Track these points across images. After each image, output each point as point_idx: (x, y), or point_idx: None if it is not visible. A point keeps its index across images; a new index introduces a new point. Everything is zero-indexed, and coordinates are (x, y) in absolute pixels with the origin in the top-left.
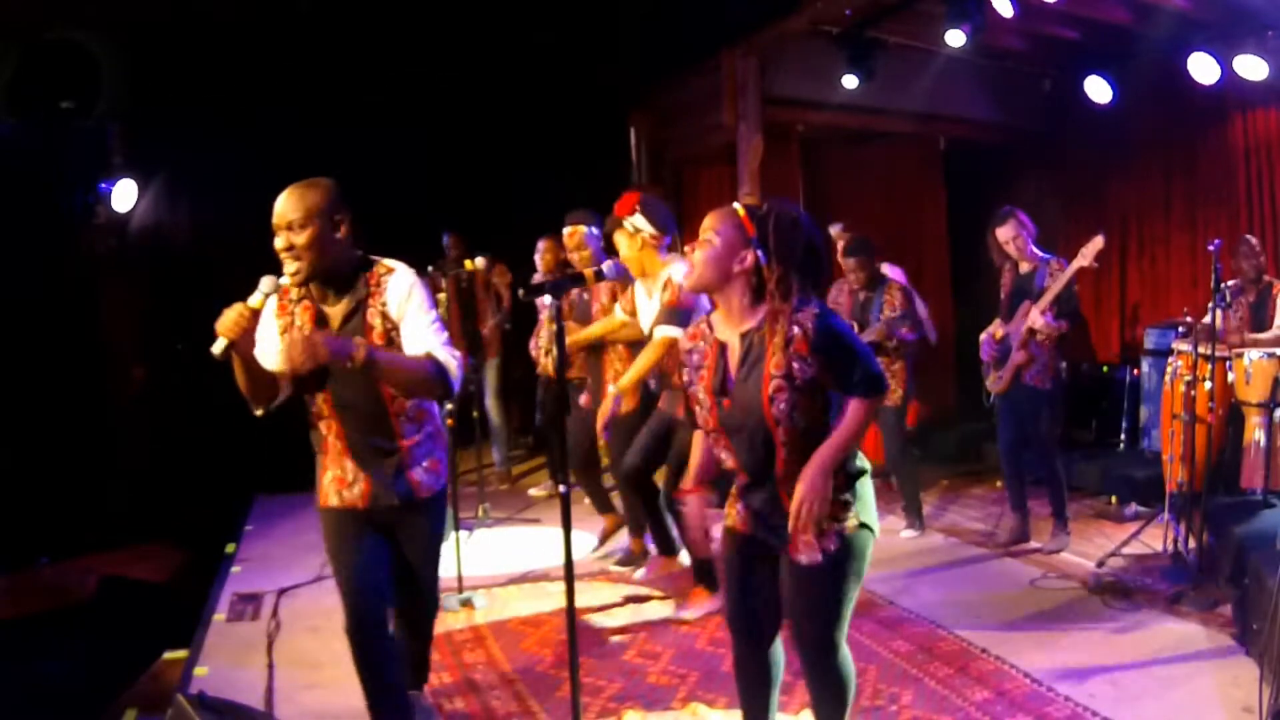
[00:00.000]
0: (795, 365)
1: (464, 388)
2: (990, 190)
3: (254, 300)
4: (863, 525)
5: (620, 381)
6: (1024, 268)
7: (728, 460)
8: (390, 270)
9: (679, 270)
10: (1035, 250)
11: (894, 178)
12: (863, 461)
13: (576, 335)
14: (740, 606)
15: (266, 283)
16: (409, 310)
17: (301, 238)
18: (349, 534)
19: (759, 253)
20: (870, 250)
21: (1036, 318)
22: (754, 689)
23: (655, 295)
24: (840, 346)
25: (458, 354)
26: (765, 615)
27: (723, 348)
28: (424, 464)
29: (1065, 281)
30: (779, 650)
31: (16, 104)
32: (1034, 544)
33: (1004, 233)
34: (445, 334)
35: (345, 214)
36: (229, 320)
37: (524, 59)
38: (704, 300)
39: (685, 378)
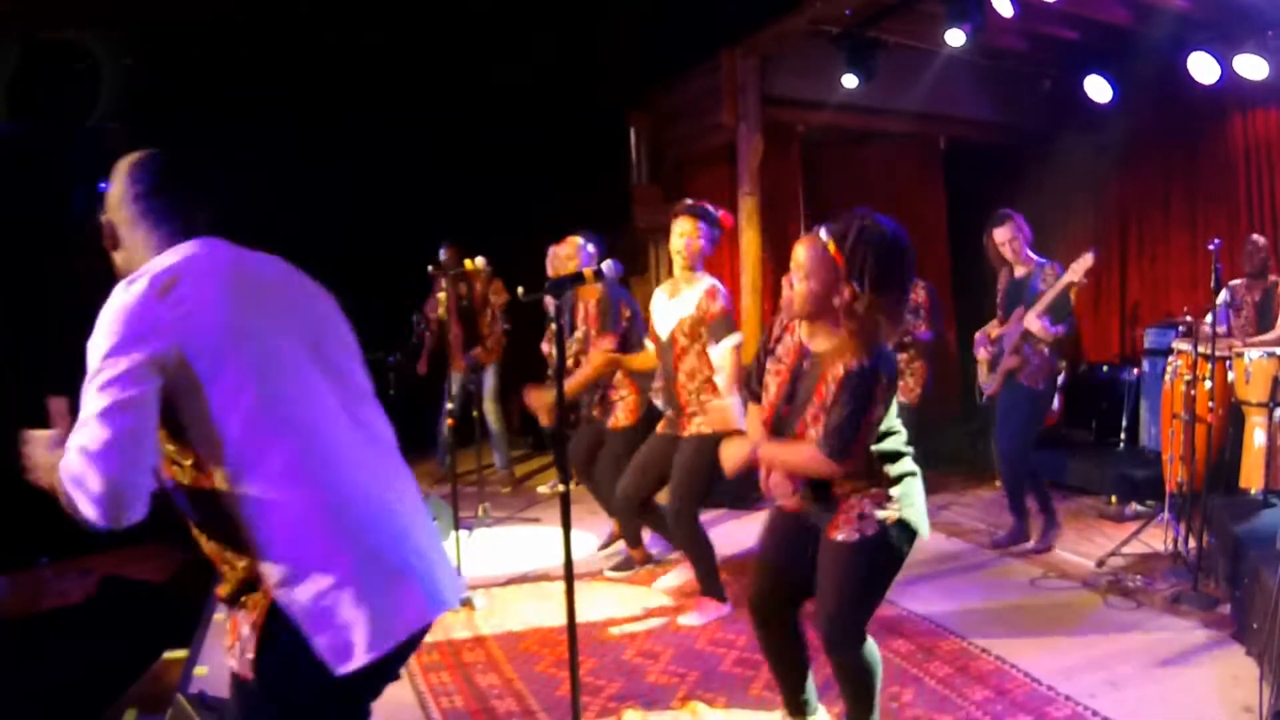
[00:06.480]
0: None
1: (463, 388)
2: (990, 190)
3: None
4: (903, 521)
5: (719, 359)
6: (1019, 271)
7: None
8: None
9: (716, 283)
10: (1030, 254)
11: (894, 178)
12: (909, 466)
13: (628, 361)
14: (764, 572)
15: None
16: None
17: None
18: None
19: (855, 285)
20: None
21: (1033, 321)
22: (779, 665)
23: (680, 298)
24: (847, 391)
25: (109, 452)
26: (783, 588)
27: (801, 352)
28: (239, 639)
29: (1059, 290)
30: (801, 635)
31: (16, 104)
32: (1029, 544)
33: (1001, 234)
34: (105, 423)
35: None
36: None
37: (524, 59)
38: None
39: (764, 364)
